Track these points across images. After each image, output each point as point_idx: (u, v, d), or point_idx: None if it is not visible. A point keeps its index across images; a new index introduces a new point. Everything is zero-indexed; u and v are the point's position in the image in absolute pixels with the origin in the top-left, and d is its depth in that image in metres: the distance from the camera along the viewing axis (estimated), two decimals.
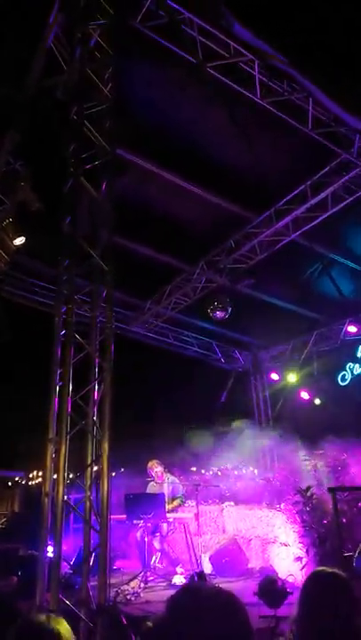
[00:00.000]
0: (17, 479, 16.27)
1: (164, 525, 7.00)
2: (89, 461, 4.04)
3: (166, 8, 5.14)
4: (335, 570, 2.38)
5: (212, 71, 5.56)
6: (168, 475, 7.62)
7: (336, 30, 5.12)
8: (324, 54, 5.25)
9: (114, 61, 4.98)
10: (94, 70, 4.94)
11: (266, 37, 5.07)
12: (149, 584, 6.29)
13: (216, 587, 1.22)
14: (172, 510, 7.18)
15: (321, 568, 2.44)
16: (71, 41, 5.06)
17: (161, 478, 7.48)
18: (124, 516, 6.89)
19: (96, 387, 4.28)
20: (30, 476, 16.02)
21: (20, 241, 7.14)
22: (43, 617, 1.55)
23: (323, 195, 7.10)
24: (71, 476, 4.18)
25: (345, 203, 7.09)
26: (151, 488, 7.51)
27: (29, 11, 5.17)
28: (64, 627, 1.56)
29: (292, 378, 11.18)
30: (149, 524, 6.82)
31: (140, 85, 5.92)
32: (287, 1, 4.92)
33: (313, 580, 2.31)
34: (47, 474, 3.93)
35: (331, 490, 5.14)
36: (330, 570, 2.37)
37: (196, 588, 1.21)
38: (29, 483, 15.79)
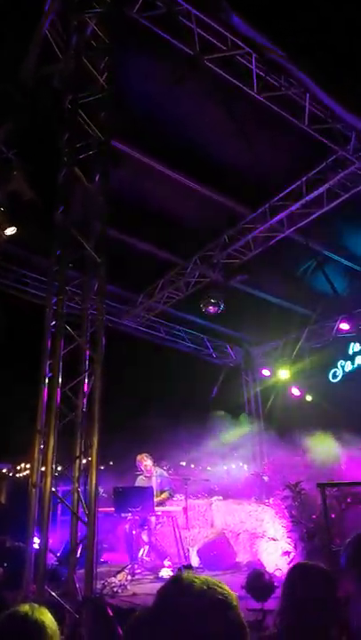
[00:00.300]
0: (4, 471, 16.21)
1: (153, 519, 7.01)
2: (77, 453, 4.02)
3: None
4: (318, 563, 2.41)
5: (209, 64, 5.52)
6: (157, 468, 7.63)
7: (334, 26, 5.09)
8: (323, 50, 5.23)
9: (110, 51, 4.92)
10: (90, 59, 4.88)
11: (265, 33, 5.03)
12: (136, 577, 6.29)
13: (208, 581, 1.19)
14: (160, 503, 7.18)
15: (304, 561, 2.47)
16: (67, 29, 4.99)
17: (150, 472, 7.48)
18: (113, 508, 6.88)
19: (86, 379, 4.26)
20: (18, 467, 15.97)
21: (11, 231, 7.08)
22: (26, 607, 1.53)
23: (318, 191, 7.09)
24: (60, 468, 4.16)
25: (341, 199, 7.09)
26: (140, 482, 7.51)
27: None
28: (48, 618, 1.55)
29: (283, 374, 11.20)
30: (137, 517, 6.82)
31: (136, 77, 5.86)
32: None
33: (296, 573, 2.32)
34: (35, 465, 3.91)
35: (320, 485, 5.16)
36: (312, 562, 2.41)
37: (188, 581, 1.18)
38: (17, 475, 15.74)
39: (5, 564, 6.36)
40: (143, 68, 5.80)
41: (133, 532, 6.73)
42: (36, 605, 1.54)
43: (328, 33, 5.13)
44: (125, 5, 5.02)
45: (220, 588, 1.17)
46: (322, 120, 6.11)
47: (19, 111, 5.38)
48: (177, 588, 1.18)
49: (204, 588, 1.15)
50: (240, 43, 5.45)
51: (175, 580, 1.21)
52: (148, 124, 6.40)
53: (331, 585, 2.24)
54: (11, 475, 15.92)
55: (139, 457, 7.57)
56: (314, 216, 7.45)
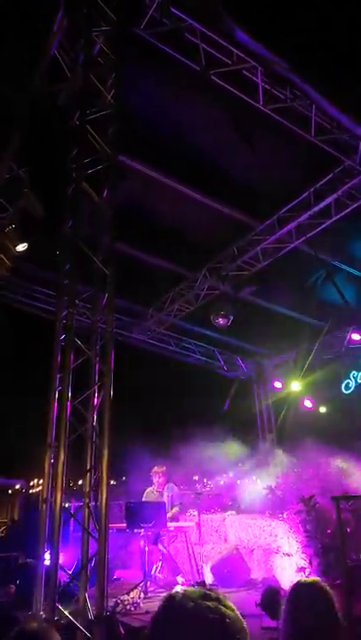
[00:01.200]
0: (17, 487, 16.18)
1: (165, 538, 6.91)
2: (88, 467, 3.99)
3: (170, 15, 5.17)
4: (316, 579, 2.42)
5: (215, 78, 5.57)
6: (169, 483, 7.54)
7: (338, 38, 5.12)
8: (328, 61, 5.25)
9: (117, 67, 4.99)
10: (97, 76, 4.95)
11: (268, 42, 5.08)
12: (149, 594, 6.19)
13: (202, 601, 1.12)
14: (172, 519, 7.08)
15: (303, 578, 2.48)
16: (74, 47, 5.08)
17: (162, 486, 7.39)
18: (125, 524, 6.80)
19: (96, 392, 4.24)
20: (31, 484, 15.93)
21: (22, 247, 7.16)
22: (35, 625, 1.50)
23: (326, 201, 7.08)
24: (71, 484, 4.12)
25: (348, 209, 7.07)
26: (149, 494, 7.42)
27: (34, 17, 5.20)
28: (57, 637, 1.52)
29: (295, 386, 11.09)
30: (150, 533, 6.73)
31: (143, 92, 5.93)
32: (289, 3, 4.92)
33: (294, 591, 2.33)
34: (46, 480, 3.88)
35: (334, 498, 5.06)
36: (310, 580, 2.42)
37: (179, 605, 1.12)
38: (30, 491, 15.70)
39: (18, 582, 6.32)
40: (150, 84, 5.88)
41: (146, 549, 6.63)
42: (45, 624, 1.52)
43: (332, 44, 5.16)
44: (132, 23, 5.11)
45: (216, 607, 1.10)
46: (328, 131, 6.12)
47: (25, 126, 5.47)
48: (169, 613, 1.13)
49: (197, 609, 1.09)
50: (245, 57, 5.51)
51: (167, 606, 1.16)
52: (155, 137, 6.46)
53: (328, 602, 2.24)
54: (24, 491, 15.89)
55: (157, 468, 7.47)
56: (322, 226, 7.43)
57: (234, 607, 1.12)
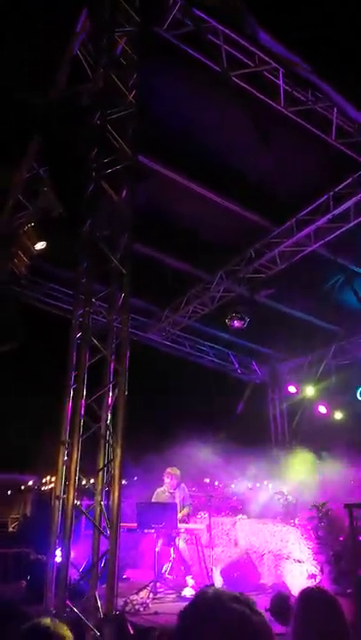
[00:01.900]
0: (30, 483, 16.32)
1: (183, 536, 6.89)
2: (101, 465, 4.00)
3: (192, 16, 5.18)
4: (321, 587, 2.43)
5: (236, 80, 5.56)
6: (181, 484, 7.51)
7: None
8: (351, 64, 5.20)
9: (138, 68, 5.01)
10: (119, 77, 4.98)
11: (291, 44, 5.05)
12: (159, 595, 6.18)
13: (230, 595, 1.13)
14: (183, 520, 7.06)
15: (310, 587, 2.49)
16: (97, 48, 5.11)
17: (174, 487, 7.37)
18: (136, 524, 6.80)
19: (110, 391, 4.25)
20: (43, 480, 16.06)
21: (40, 245, 7.23)
22: (48, 620, 1.52)
23: (345, 206, 7.01)
24: (84, 482, 4.13)
25: None
26: (159, 495, 7.39)
27: (57, 18, 5.26)
28: (68, 634, 1.53)
29: (310, 391, 10.99)
30: (159, 534, 6.72)
31: (163, 93, 5.95)
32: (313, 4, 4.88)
33: (301, 599, 2.32)
34: (59, 477, 3.90)
35: (347, 506, 4.99)
36: (317, 588, 2.42)
37: (209, 603, 1.12)
38: (42, 487, 15.82)
39: (29, 577, 6.36)
40: (170, 84, 5.89)
41: (156, 550, 6.62)
42: (57, 620, 1.53)
43: (356, 47, 5.11)
44: (154, 24, 5.13)
45: (244, 611, 1.11)
46: (350, 134, 6.07)
47: (47, 126, 5.51)
48: (197, 610, 1.13)
49: (226, 610, 1.10)
50: (267, 58, 5.49)
51: (196, 602, 1.16)
52: (175, 139, 6.47)
53: (335, 610, 2.24)
54: (36, 487, 16.02)
55: (170, 470, 7.43)
56: (341, 230, 7.35)
57: (262, 613, 1.12)
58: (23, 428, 11.57)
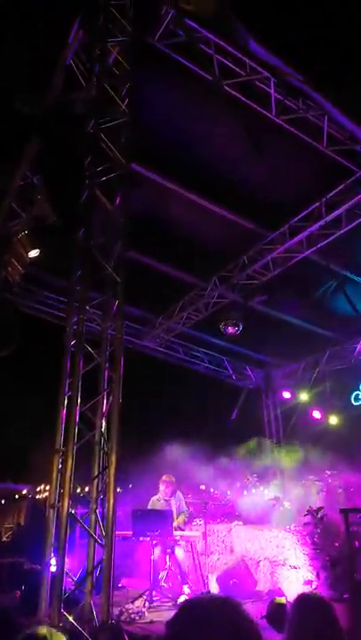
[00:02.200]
0: (24, 492, 16.18)
1: (182, 544, 6.86)
2: (95, 473, 3.99)
3: (184, 27, 5.23)
4: (317, 593, 2.45)
5: (228, 89, 5.62)
6: (177, 492, 7.49)
7: (352, 46, 5.14)
8: (341, 71, 5.28)
9: (131, 77, 5.05)
10: (112, 86, 5.02)
11: (282, 53, 5.12)
12: (155, 603, 6.15)
13: (219, 600, 1.15)
14: (178, 527, 7.03)
15: (305, 592, 2.50)
16: (90, 57, 5.16)
17: (169, 495, 7.35)
18: (131, 532, 6.77)
19: (105, 398, 4.25)
20: (38, 489, 15.93)
21: (34, 253, 7.24)
22: (44, 630, 1.51)
23: (337, 212, 7.08)
24: (78, 490, 4.12)
25: (359, 220, 7.05)
26: (155, 503, 7.37)
27: (50, 28, 5.30)
28: None
29: (304, 396, 11.02)
30: (155, 542, 6.69)
31: (157, 102, 5.99)
32: (302, 13, 4.96)
33: (296, 605, 2.34)
34: (53, 485, 3.89)
35: (343, 511, 5.00)
36: (312, 594, 2.44)
37: (197, 603, 1.14)
38: (36, 496, 15.69)
39: (23, 587, 6.30)
40: (164, 93, 5.94)
41: (152, 557, 6.59)
42: (54, 630, 1.52)
43: (346, 55, 5.19)
44: (146, 34, 5.18)
45: (232, 614, 1.12)
46: (340, 141, 6.14)
47: (41, 134, 5.54)
48: (185, 616, 1.15)
49: (213, 614, 1.11)
50: (259, 68, 5.56)
51: (183, 609, 1.17)
52: (166, 146, 6.50)
53: (330, 616, 2.26)
54: (30, 496, 15.89)
55: (165, 477, 7.41)
56: (333, 237, 7.42)
57: (250, 616, 1.13)
58: (15, 436, 11.49)
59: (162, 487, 7.36)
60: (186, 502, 7.55)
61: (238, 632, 1.08)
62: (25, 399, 10.38)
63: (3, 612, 5.29)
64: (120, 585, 7.15)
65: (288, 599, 5.17)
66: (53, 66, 5.44)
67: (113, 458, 3.86)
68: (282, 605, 4.81)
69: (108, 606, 3.52)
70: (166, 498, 7.30)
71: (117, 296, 4.43)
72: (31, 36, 5.34)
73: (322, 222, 7.27)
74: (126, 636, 2.97)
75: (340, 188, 6.88)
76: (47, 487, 13.67)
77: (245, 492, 9.96)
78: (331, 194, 7.01)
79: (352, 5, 5.05)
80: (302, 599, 2.45)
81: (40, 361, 9.33)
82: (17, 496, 16.02)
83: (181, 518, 7.19)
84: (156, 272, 8.66)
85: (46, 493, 14.07)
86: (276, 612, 4.70)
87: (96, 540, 3.78)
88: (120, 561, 7.09)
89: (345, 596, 5.04)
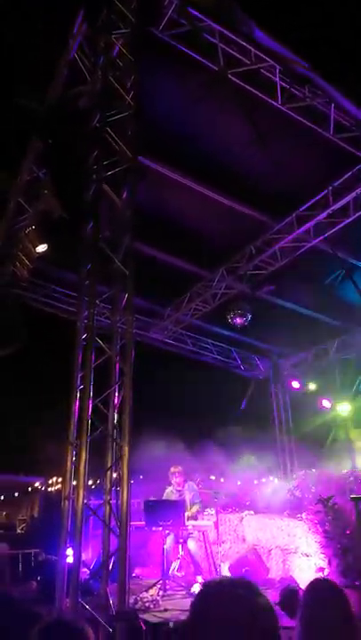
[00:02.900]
0: (37, 485, 16.39)
1: (194, 535, 6.94)
2: (109, 465, 4.04)
3: (188, 16, 5.19)
4: (328, 579, 2.48)
5: (233, 78, 5.58)
6: (189, 482, 7.55)
7: (357, 29, 5.08)
8: (347, 58, 5.22)
9: (136, 69, 5.03)
10: (117, 78, 5.00)
11: (287, 40, 5.07)
12: (168, 592, 6.23)
13: (237, 581, 1.20)
14: (192, 517, 7.10)
15: (317, 578, 2.53)
16: (94, 50, 5.14)
17: (181, 485, 7.41)
18: (143, 522, 6.85)
19: (116, 391, 4.29)
20: (50, 482, 16.13)
21: (42, 248, 7.28)
22: (71, 617, 1.57)
23: (344, 200, 7.03)
24: (90, 482, 4.17)
25: None
26: (169, 494, 7.44)
27: (54, 21, 5.28)
28: (89, 629, 1.58)
29: (313, 386, 11.04)
30: (167, 531, 6.76)
31: (161, 93, 5.97)
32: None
33: (308, 591, 2.37)
34: (67, 477, 3.94)
35: (354, 499, 5.03)
36: (324, 579, 2.47)
37: (216, 585, 1.19)
38: (49, 489, 15.89)
39: (39, 578, 6.42)
40: (169, 84, 5.91)
41: (165, 547, 6.67)
42: (75, 618, 1.58)
43: (352, 41, 5.13)
44: (150, 25, 5.14)
45: (248, 594, 1.17)
46: (347, 129, 6.09)
47: (46, 129, 5.53)
48: (206, 599, 1.19)
49: (232, 595, 1.16)
50: (264, 56, 5.51)
51: (204, 592, 1.22)
52: (172, 138, 6.48)
53: (342, 602, 2.28)
54: (43, 488, 16.10)
55: (173, 469, 7.47)
56: (341, 225, 7.38)
57: (265, 595, 1.17)
58: (27, 429, 11.62)
59: (173, 479, 7.43)
60: (198, 491, 7.61)
61: (256, 612, 1.13)
62: (38, 394, 10.49)
63: (21, 602, 5.39)
64: (134, 575, 7.25)
65: (300, 586, 5.23)
66: (57, 60, 5.42)
67: (126, 449, 3.91)
68: (294, 592, 4.86)
69: (124, 595, 3.58)
70: (179, 488, 7.36)
71: (127, 289, 4.45)
72: (34, 30, 5.33)
73: (329, 211, 7.24)
74: (142, 623, 3.03)
75: (347, 175, 6.84)
76: (59, 479, 13.82)
77: (256, 482, 10.02)
78: (338, 182, 6.96)
79: None
80: (314, 585, 2.49)
81: (45, 356, 9.41)
82: (30, 489, 16.23)
83: (195, 508, 7.25)
84: (163, 264, 8.66)
85: (58, 486, 14.23)
86: (289, 599, 4.75)
87: (111, 530, 3.84)
88: (133, 551, 7.17)
89: (356, 583, 5.09)
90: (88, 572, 5.02)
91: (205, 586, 1.24)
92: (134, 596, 5.52)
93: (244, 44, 5.46)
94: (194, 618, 1.18)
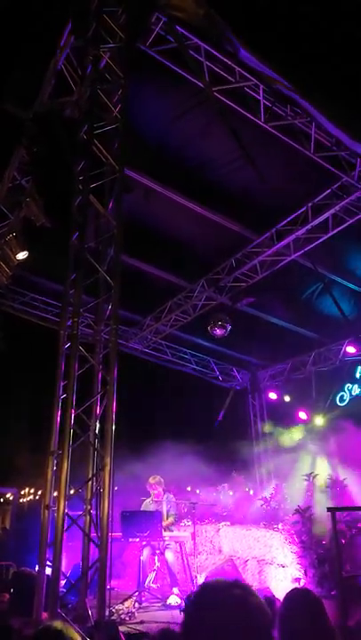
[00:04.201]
0: (8, 496, 16.01)
1: (171, 546, 6.92)
2: (90, 475, 4.03)
3: (175, 33, 5.29)
4: (306, 589, 2.55)
5: (217, 95, 5.70)
6: (168, 494, 7.55)
7: (338, 53, 5.26)
8: (328, 78, 5.39)
9: (123, 83, 5.10)
10: (104, 91, 5.06)
11: (270, 60, 5.21)
12: (144, 604, 6.20)
13: (230, 582, 1.25)
14: (167, 528, 7.09)
15: (295, 588, 2.60)
16: (82, 63, 5.19)
17: (159, 496, 7.40)
18: (120, 533, 6.80)
19: (98, 401, 4.29)
20: (22, 492, 15.77)
21: (22, 255, 7.24)
22: (59, 624, 1.57)
23: (323, 216, 7.21)
24: (72, 491, 4.14)
25: (346, 224, 7.20)
26: (147, 506, 7.42)
27: (41, 32, 5.32)
28: (77, 637, 1.59)
29: (288, 398, 11.18)
30: (144, 543, 6.73)
31: (147, 106, 6.05)
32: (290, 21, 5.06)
33: (286, 600, 2.43)
34: (48, 487, 3.91)
35: (330, 509, 5.11)
36: (301, 590, 2.53)
37: (210, 586, 1.24)
38: (21, 499, 15.54)
39: (12, 590, 6.28)
40: (154, 97, 6.00)
41: (141, 558, 6.64)
42: (67, 625, 1.58)
43: (332, 62, 5.30)
44: (138, 40, 5.23)
45: (242, 594, 1.21)
46: (327, 148, 6.27)
47: (31, 138, 5.55)
48: (202, 599, 1.23)
49: (227, 595, 1.20)
50: (248, 75, 5.65)
51: (200, 592, 1.26)
52: (156, 151, 6.57)
53: (319, 610, 2.35)
54: (14, 500, 15.73)
55: (151, 479, 7.46)
56: (319, 241, 7.56)
57: (258, 595, 1.22)
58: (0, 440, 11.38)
59: (151, 490, 7.42)
60: (176, 503, 7.61)
61: (250, 612, 1.17)
62: (9, 402, 10.28)
63: None
64: (109, 586, 7.16)
65: (276, 597, 5.27)
66: (44, 71, 5.46)
67: (108, 459, 3.90)
68: (271, 602, 4.89)
69: (104, 606, 3.56)
70: (157, 499, 7.35)
71: (112, 299, 4.48)
72: (22, 41, 5.36)
73: (308, 226, 7.41)
74: (122, 635, 3.02)
75: (326, 192, 7.02)
76: (31, 490, 13.58)
77: (232, 493, 10.05)
78: (317, 198, 7.14)
79: (339, 14, 5.18)
80: (292, 595, 2.54)
81: (23, 364, 9.28)
82: (1, 500, 15.85)
83: (170, 519, 7.25)
84: (144, 274, 8.72)
85: (30, 497, 13.98)
86: None
87: (91, 540, 3.82)
88: (109, 562, 7.11)
89: (333, 592, 5.16)
90: (64, 583, 4.95)
91: (202, 587, 1.27)
92: (110, 608, 5.47)
93: (228, 62, 5.60)
94: (189, 618, 1.21)
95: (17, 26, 5.27)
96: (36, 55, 5.52)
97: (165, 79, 5.66)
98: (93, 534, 3.88)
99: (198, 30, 5.38)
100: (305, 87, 5.52)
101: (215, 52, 5.54)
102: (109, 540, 3.75)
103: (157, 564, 7.09)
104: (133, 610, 5.80)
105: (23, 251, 7.20)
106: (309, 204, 7.25)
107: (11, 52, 5.42)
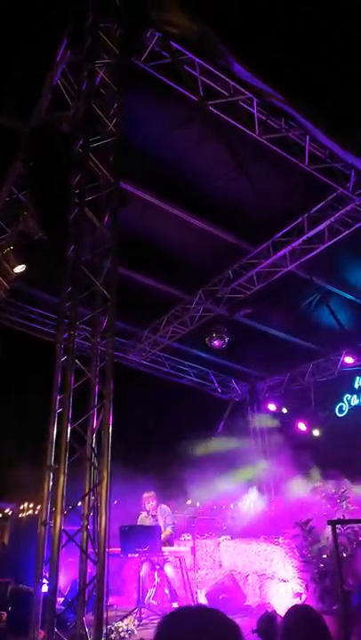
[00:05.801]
0: (7, 511, 15.84)
1: (170, 561, 6.83)
2: (87, 490, 3.98)
3: (169, 49, 5.36)
4: (307, 605, 2.54)
5: (212, 109, 5.76)
6: (162, 506, 7.47)
7: (331, 66, 5.32)
8: (321, 93, 5.45)
9: (119, 98, 5.15)
10: (99, 106, 5.11)
11: (264, 73, 5.27)
12: (144, 621, 6.09)
13: (205, 609, 1.23)
14: (165, 541, 6.99)
15: (296, 605, 2.58)
16: (77, 78, 5.25)
17: (155, 510, 7.33)
18: (119, 549, 6.71)
19: (95, 414, 4.26)
20: (21, 507, 15.61)
21: (20, 268, 7.24)
22: None
23: (319, 227, 7.25)
24: (70, 507, 4.09)
25: (341, 235, 7.24)
26: (143, 520, 7.34)
27: (37, 48, 5.39)
28: None
29: (287, 409, 11.14)
30: (143, 558, 6.64)
31: (143, 120, 6.10)
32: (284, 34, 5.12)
33: (287, 617, 2.41)
34: (44, 502, 3.87)
35: (331, 522, 5.05)
36: (302, 606, 2.52)
37: (184, 613, 1.21)
38: (20, 515, 15.37)
39: (10, 608, 6.18)
40: (149, 111, 6.06)
41: (141, 574, 6.54)
42: None
43: (325, 75, 5.36)
44: (133, 56, 5.29)
45: (211, 616, 1.19)
46: (321, 160, 6.32)
47: (28, 152, 5.58)
48: (171, 621, 1.22)
49: (195, 617, 1.18)
50: (242, 89, 5.71)
51: (170, 615, 1.24)
52: (152, 164, 6.62)
53: (320, 627, 2.33)
54: (11, 515, 15.55)
55: (145, 494, 7.41)
56: (316, 252, 7.59)
57: (236, 624, 1.21)
58: None
59: (146, 504, 7.36)
60: (173, 514, 7.53)
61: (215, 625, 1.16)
62: (5, 417, 10.20)
63: None
64: (108, 603, 7.05)
65: (278, 612, 5.19)
66: (40, 86, 5.51)
67: (105, 473, 3.86)
68: (272, 618, 4.81)
69: (102, 623, 3.50)
70: (153, 513, 7.28)
71: (108, 312, 4.47)
72: (18, 55, 5.42)
73: (304, 237, 7.44)
74: None
75: (321, 204, 7.06)
76: (30, 505, 13.42)
77: (232, 506, 9.95)
78: (313, 210, 7.18)
79: (332, 25, 5.25)
80: (294, 611, 2.51)
81: (24, 376, 9.24)
82: (0, 515, 15.67)
83: (168, 531, 7.16)
84: (142, 286, 8.72)
85: (29, 512, 13.83)
86: (267, 625, 4.70)
87: (88, 557, 3.76)
88: (108, 578, 7.01)
89: (334, 607, 5.08)
90: (61, 602, 4.88)
91: (172, 615, 1.25)
92: (109, 626, 5.38)
93: (222, 76, 5.66)
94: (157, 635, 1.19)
95: (13, 41, 5.33)
96: (33, 70, 5.58)
97: (160, 93, 5.72)
98: (91, 550, 3.82)
99: (192, 45, 5.45)
100: (298, 100, 5.57)
101: (209, 67, 5.60)
102: (107, 556, 3.69)
103: (157, 579, 6.99)
104: (133, 627, 5.69)
105: (21, 264, 7.20)
106: (305, 216, 7.30)
107: (7, 66, 5.48)
